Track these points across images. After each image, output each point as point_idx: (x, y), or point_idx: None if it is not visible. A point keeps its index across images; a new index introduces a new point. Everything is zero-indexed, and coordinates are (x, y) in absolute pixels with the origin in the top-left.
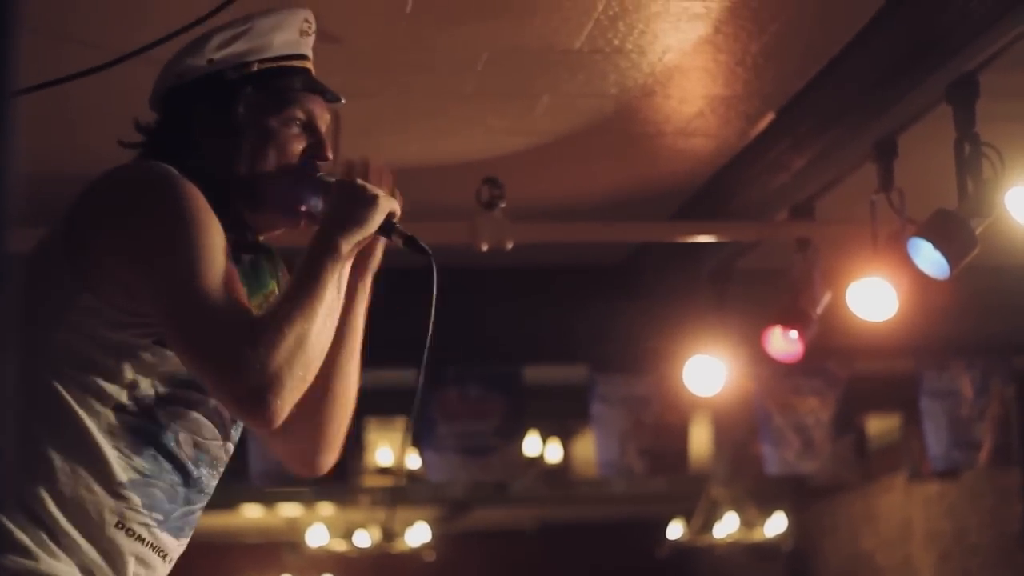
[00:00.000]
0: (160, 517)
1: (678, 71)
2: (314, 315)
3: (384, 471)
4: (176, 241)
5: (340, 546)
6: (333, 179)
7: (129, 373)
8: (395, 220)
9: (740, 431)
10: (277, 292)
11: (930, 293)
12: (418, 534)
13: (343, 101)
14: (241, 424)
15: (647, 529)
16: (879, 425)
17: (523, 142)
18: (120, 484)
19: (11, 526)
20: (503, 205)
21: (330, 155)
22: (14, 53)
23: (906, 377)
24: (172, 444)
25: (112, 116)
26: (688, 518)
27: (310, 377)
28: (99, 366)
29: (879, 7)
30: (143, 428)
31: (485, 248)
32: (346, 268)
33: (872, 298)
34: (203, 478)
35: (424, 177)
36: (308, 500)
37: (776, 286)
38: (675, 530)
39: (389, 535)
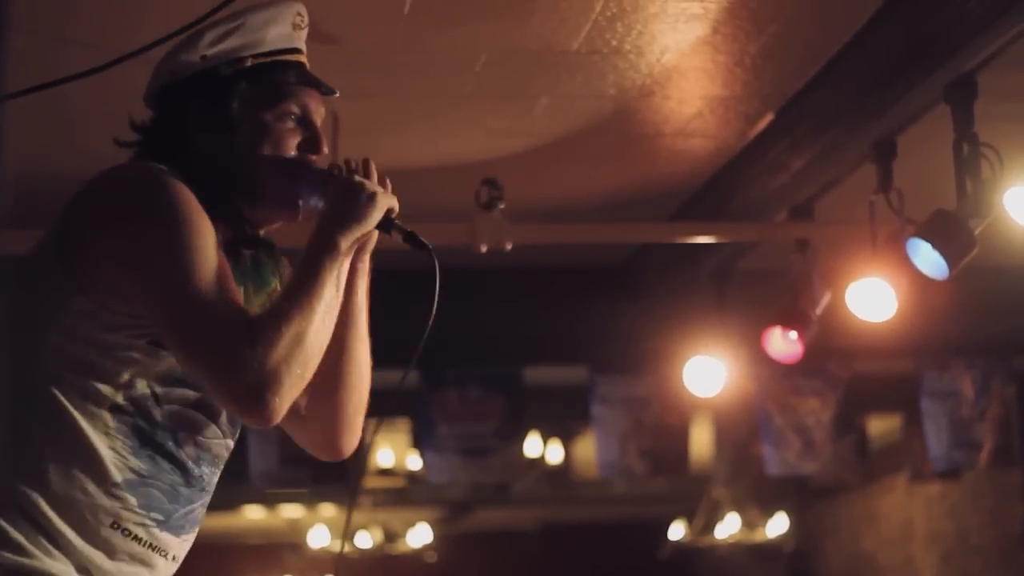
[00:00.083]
0: (160, 517)
1: (676, 72)
2: (312, 313)
3: (385, 472)
4: (169, 242)
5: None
6: (331, 171)
7: (124, 374)
8: (394, 216)
9: (741, 432)
10: (279, 288)
11: (930, 293)
12: (419, 535)
13: (337, 94)
14: (240, 421)
15: (649, 530)
16: (880, 426)
17: (522, 143)
18: (115, 484)
19: (7, 525)
20: (502, 206)
21: (325, 149)
22: (2, 56)
23: (907, 378)
24: (171, 444)
25: (110, 117)
26: (690, 519)
27: (309, 374)
28: (94, 368)
29: (877, 7)
30: (140, 429)
31: (484, 249)
32: (345, 264)
33: (871, 299)
34: (205, 476)
35: (423, 178)
36: (309, 501)
37: (776, 287)
38: (677, 531)
39: (391, 536)
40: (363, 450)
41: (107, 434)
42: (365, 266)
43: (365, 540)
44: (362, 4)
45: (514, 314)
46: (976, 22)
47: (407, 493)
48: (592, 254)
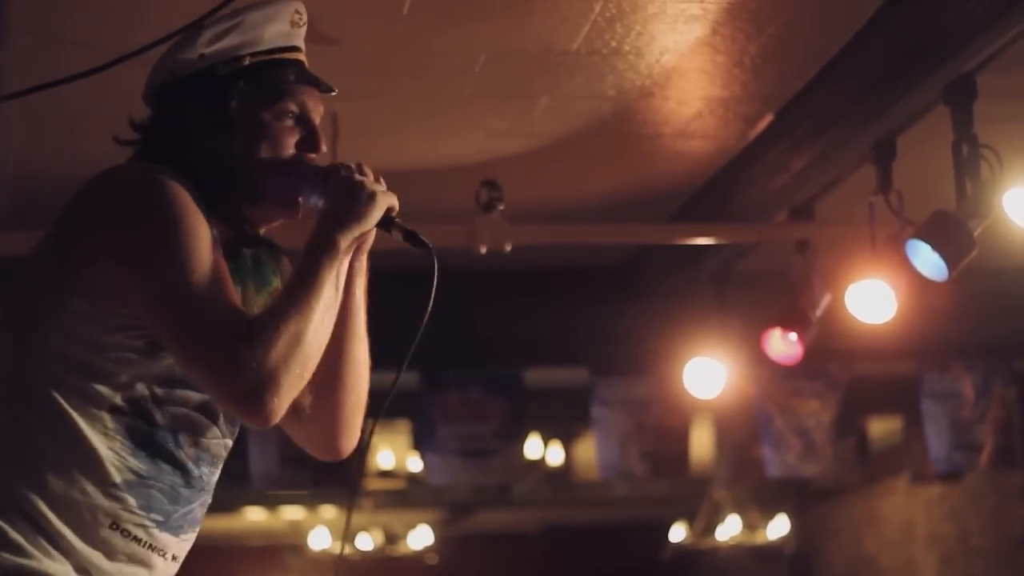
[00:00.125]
0: (159, 518)
1: (676, 72)
2: (311, 313)
3: (386, 474)
4: (166, 243)
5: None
6: (330, 169)
7: (123, 375)
8: (394, 214)
9: (742, 434)
10: (280, 287)
11: (929, 295)
12: (420, 537)
13: (336, 92)
14: (239, 420)
15: (650, 532)
16: (881, 427)
17: (521, 144)
18: (114, 485)
19: (6, 526)
20: (502, 207)
21: (324, 147)
22: None
23: (908, 379)
24: (171, 445)
25: (109, 118)
26: (691, 521)
27: (308, 373)
28: (93, 369)
29: (876, 8)
30: (139, 430)
31: (484, 250)
32: (345, 263)
33: (871, 300)
34: (204, 476)
35: (422, 179)
36: (310, 503)
37: (776, 288)
38: (678, 533)
39: (392, 538)
40: (362, 450)
41: (106, 435)
42: (363, 266)
43: (366, 542)
44: (361, 5)
45: (514, 315)
46: (975, 23)
47: (408, 495)
48: (592, 255)
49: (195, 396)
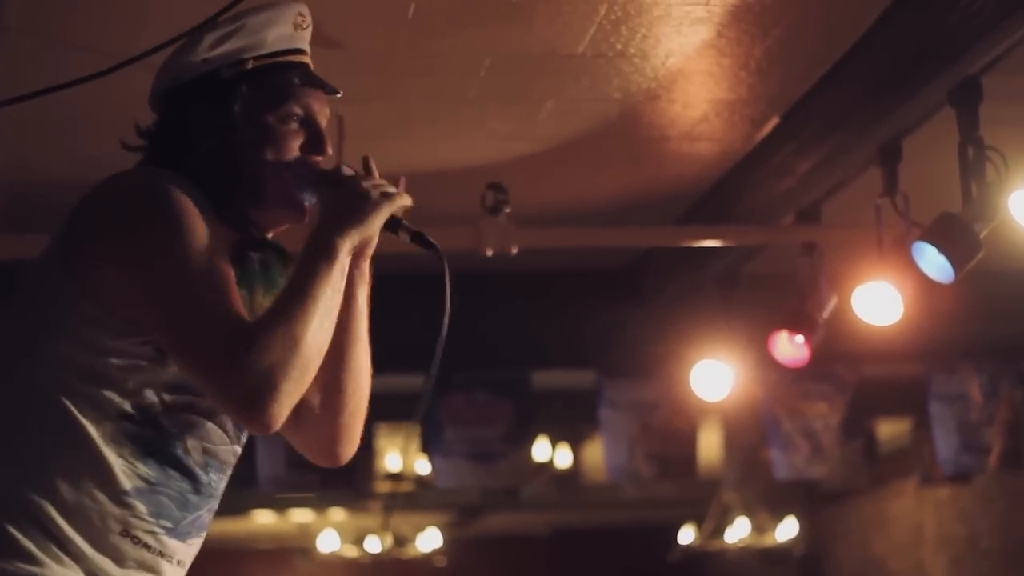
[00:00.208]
0: (169, 525)
1: (682, 75)
2: (308, 318)
3: (393, 477)
4: (169, 249)
5: (351, 552)
6: (336, 172)
7: (131, 382)
8: (401, 216)
9: (750, 436)
10: None
11: (936, 297)
12: (429, 539)
13: (341, 94)
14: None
15: (658, 534)
16: (890, 429)
17: (527, 147)
18: (124, 492)
19: (17, 533)
20: (508, 210)
21: (329, 150)
22: None
23: (916, 381)
24: (180, 452)
25: (109, 122)
26: (699, 523)
27: (307, 379)
28: (101, 375)
29: (882, 10)
30: (148, 437)
31: (490, 253)
32: (345, 266)
33: (878, 302)
34: (213, 483)
35: (428, 182)
36: (319, 506)
37: (782, 290)
38: (686, 535)
39: (400, 541)
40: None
41: (115, 442)
42: (365, 271)
43: (375, 545)
44: (366, 8)
45: (520, 318)
46: (981, 25)
47: (416, 498)
48: (598, 258)
49: (203, 403)
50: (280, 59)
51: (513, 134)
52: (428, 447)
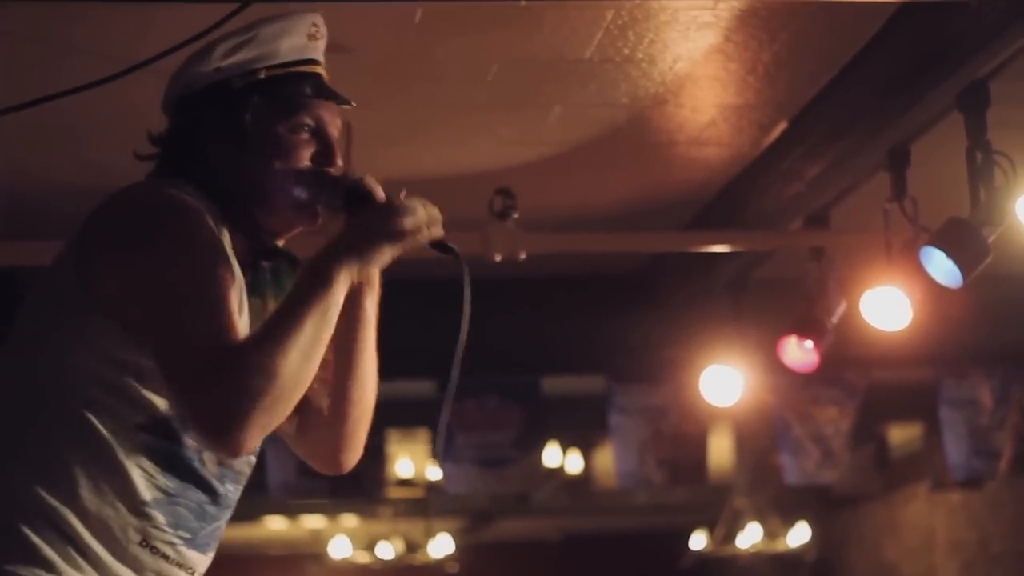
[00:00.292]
0: (187, 535)
1: (689, 80)
2: (290, 349)
3: (405, 483)
4: (167, 269)
5: (363, 558)
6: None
7: (145, 393)
8: (424, 240)
9: (761, 441)
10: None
11: (945, 302)
12: (441, 545)
13: (353, 104)
14: None
15: (670, 539)
16: (901, 435)
17: (535, 152)
18: (143, 502)
19: (38, 540)
20: (516, 215)
21: (339, 161)
22: None
23: (927, 386)
24: (196, 463)
25: (114, 128)
26: (711, 528)
27: (283, 408)
28: (117, 387)
29: (889, 15)
30: (164, 448)
31: (498, 258)
32: (339, 298)
33: (886, 307)
34: (229, 494)
35: (436, 188)
36: (331, 512)
37: (792, 295)
38: (698, 540)
39: (412, 546)
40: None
41: (134, 452)
42: (374, 277)
43: (386, 551)
44: (373, 14)
45: (530, 324)
46: (988, 29)
47: (428, 503)
48: (607, 263)
49: None
50: (293, 69)
51: (521, 139)
52: (438, 453)
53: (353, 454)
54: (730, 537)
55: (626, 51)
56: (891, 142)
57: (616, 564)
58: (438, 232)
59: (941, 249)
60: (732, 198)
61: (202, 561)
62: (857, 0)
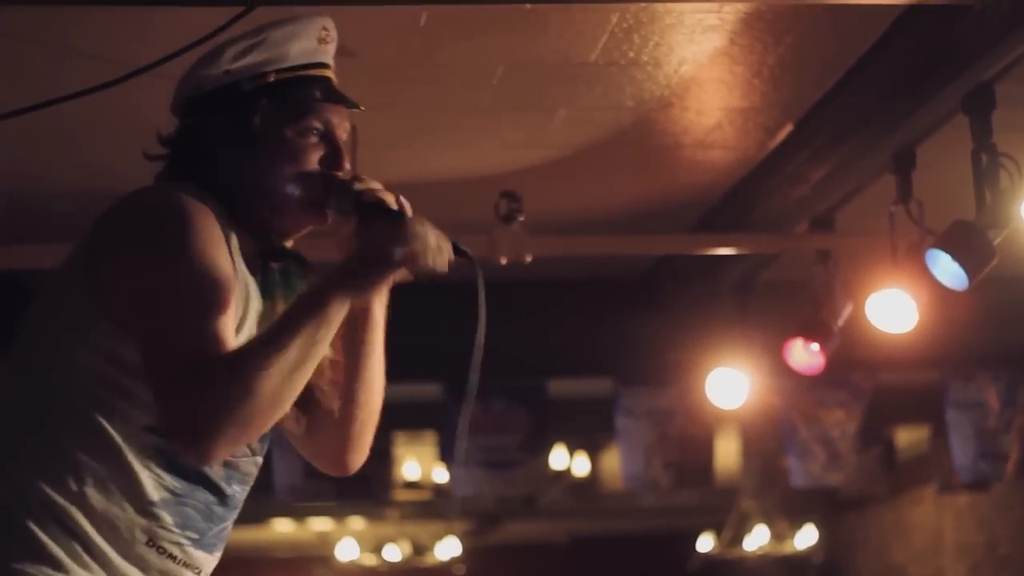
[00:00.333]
0: (195, 536)
1: (694, 83)
2: (272, 372)
3: (412, 485)
4: (167, 275)
5: (370, 560)
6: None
7: (151, 396)
8: (428, 268)
9: (768, 444)
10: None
11: (952, 304)
12: (448, 548)
13: (363, 108)
14: (268, 437)
15: (677, 542)
16: (908, 437)
17: (540, 155)
18: (151, 503)
19: (45, 538)
20: (522, 218)
21: (347, 165)
22: None
23: (934, 389)
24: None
25: (116, 132)
26: (718, 531)
27: (258, 425)
28: (124, 388)
29: (894, 18)
30: (170, 449)
31: (504, 261)
32: (334, 324)
33: (892, 310)
34: (236, 495)
35: (441, 191)
36: (338, 514)
37: (798, 298)
38: (705, 543)
39: (419, 549)
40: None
41: (142, 453)
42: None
43: (393, 553)
44: (378, 17)
45: (536, 327)
46: (993, 32)
47: (435, 506)
48: (613, 266)
49: None
50: (302, 73)
51: (526, 142)
52: (446, 455)
53: (359, 456)
54: (737, 539)
55: (631, 54)
56: (897, 145)
57: (623, 566)
58: (443, 261)
59: (947, 252)
60: (738, 201)
61: (209, 561)
62: (862, 3)
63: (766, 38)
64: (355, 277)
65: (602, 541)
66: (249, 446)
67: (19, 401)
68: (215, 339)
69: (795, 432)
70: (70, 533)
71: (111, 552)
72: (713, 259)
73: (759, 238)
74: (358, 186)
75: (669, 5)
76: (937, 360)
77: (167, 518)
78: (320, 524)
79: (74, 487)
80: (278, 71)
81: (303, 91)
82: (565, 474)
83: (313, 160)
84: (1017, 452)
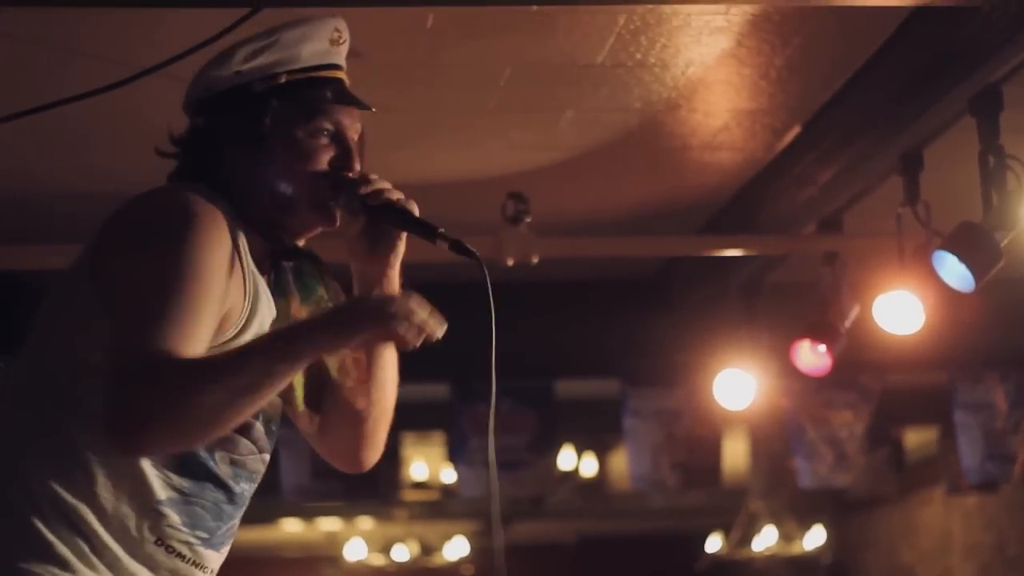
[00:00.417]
0: (204, 535)
1: (702, 84)
2: (220, 387)
3: (420, 485)
4: (149, 272)
5: (378, 560)
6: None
7: None
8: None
9: (776, 445)
10: (326, 297)
11: (959, 306)
12: (456, 548)
13: (374, 110)
14: (276, 434)
15: (686, 543)
16: (917, 438)
17: (548, 157)
18: (159, 502)
19: (53, 537)
20: (528, 220)
21: (358, 166)
22: None
23: (942, 390)
24: (210, 463)
25: (121, 133)
26: (727, 531)
27: (195, 435)
28: None
29: (902, 19)
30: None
31: (511, 263)
32: (297, 368)
33: (899, 311)
34: (244, 492)
35: (448, 192)
36: (346, 514)
37: (805, 299)
38: (714, 543)
39: (427, 549)
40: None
41: None
42: (393, 278)
43: (402, 553)
44: (385, 18)
45: (543, 328)
46: (1001, 34)
47: (443, 506)
48: (621, 267)
49: None
50: (314, 74)
51: (533, 144)
52: (454, 456)
53: (374, 452)
54: (746, 540)
55: (638, 56)
56: (904, 146)
57: (632, 567)
58: (432, 336)
59: (954, 253)
60: (745, 202)
61: (217, 559)
62: (869, 5)
63: (773, 40)
64: (334, 334)
65: (610, 541)
66: (256, 443)
67: (30, 401)
68: (178, 342)
69: (803, 433)
70: (78, 532)
71: (119, 552)
72: (720, 260)
73: (766, 239)
74: (367, 187)
75: (676, 7)
76: (944, 361)
77: (175, 517)
78: (328, 524)
79: (84, 486)
80: (289, 72)
81: (314, 92)
82: (573, 475)
83: (323, 161)
84: None
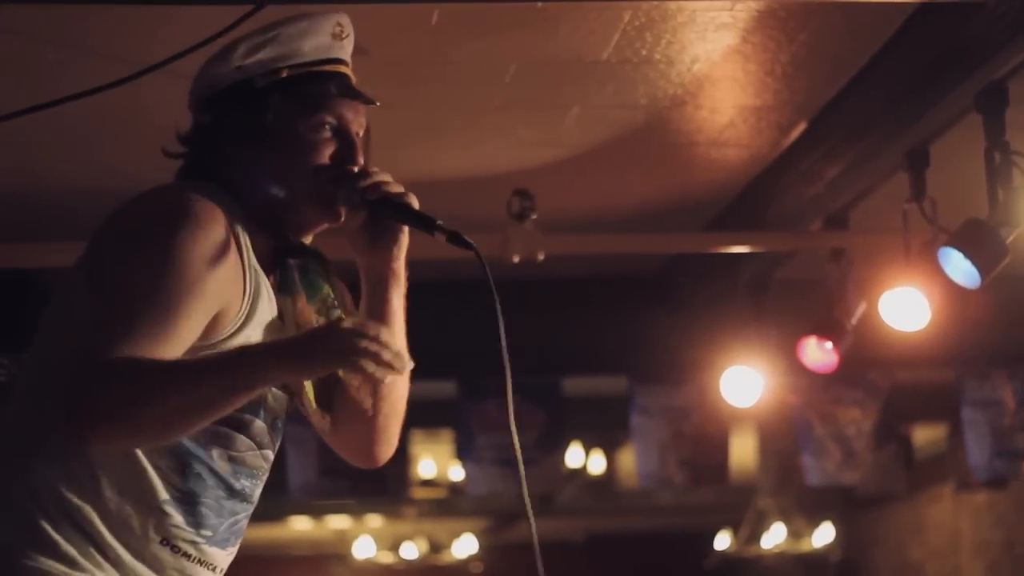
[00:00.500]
0: (209, 533)
1: (708, 81)
2: (172, 396)
3: (428, 483)
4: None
5: (387, 558)
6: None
7: None
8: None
9: (785, 442)
10: (331, 295)
11: (965, 303)
12: (465, 546)
13: (378, 104)
14: (282, 431)
15: (694, 540)
16: (926, 435)
17: (553, 153)
18: (163, 501)
19: (58, 537)
20: (534, 216)
21: (361, 160)
22: None
23: (950, 387)
24: (210, 461)
25: (124, 131)
26: (735, 529)
27: (144, 436)
28: None
29: (908, 16)
30: (179, 447)
31: (517, 260)
32: (266, 380)
33: (905, 308)
34: (246, 489)
35: (454, 189)
36: (355, 512)
37: (812, 296)
38: (722, 541)
39: (436, 547)
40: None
41: (153, 451)
42: (399, 272)
43: (410, 551)
44: (390, 15)
45: (550, 325)
46: (1006, 30)
47: (452, 504)
48: (627, 264)
49: (236, 415)
50: (316, 69)
51: (539, 141)
52: (461, 453)
53: (387, 448)
54: (755, 537)
55: (644, 52)
56: (910, 143)
57: (640, 564)
58: (399, 370)
59: (960, 250)
60: (752, 199)
61: (224, 557)
62: (875, 1)
63: (779, 36)
64: (293, 369)
65: (619, 539)
66: (255, 440)
67: (36, 401)
68: (141, 344)
69: (810, 430)
70: (83, 533)
71: (124, 552)
72: (727, 257)
73: (773, 236)
74: (367, 180)
75: (681, 3)
76: (951, 358)
77: (180, 516)
78: (337, 522)
79: (89, 488)
80: (291, 67)
81: (316, 87)
82: (581, 472)
83: (325, 155)
84: None
